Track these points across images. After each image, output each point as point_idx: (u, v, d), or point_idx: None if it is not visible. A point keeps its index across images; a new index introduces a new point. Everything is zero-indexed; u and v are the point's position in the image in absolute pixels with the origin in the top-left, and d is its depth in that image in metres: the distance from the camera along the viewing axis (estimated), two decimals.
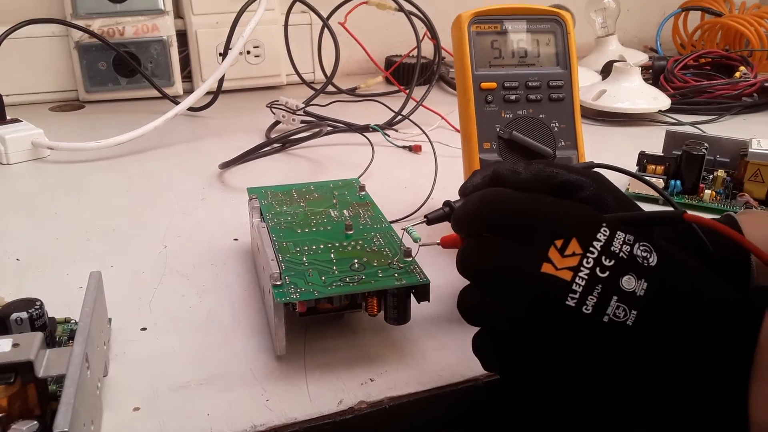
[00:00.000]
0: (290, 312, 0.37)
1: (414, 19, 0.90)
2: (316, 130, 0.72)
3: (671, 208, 0.34)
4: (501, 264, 0.31)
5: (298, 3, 0.89)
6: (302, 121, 0.77)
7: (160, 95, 0.89)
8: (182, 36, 0.95)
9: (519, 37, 0.51)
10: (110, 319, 0.40)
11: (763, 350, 0.27)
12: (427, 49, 0.98)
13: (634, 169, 0.63)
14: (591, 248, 0.29)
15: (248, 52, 0.96)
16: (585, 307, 0.29)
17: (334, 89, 0.94)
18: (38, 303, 0.35)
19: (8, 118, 0.73)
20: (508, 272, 0.30)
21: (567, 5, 1.00)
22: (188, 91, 0.95)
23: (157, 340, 0.40)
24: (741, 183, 0.59)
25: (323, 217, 0.45)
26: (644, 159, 0.63)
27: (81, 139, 0.72)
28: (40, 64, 0.90)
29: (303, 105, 0.77)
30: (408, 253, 0.40)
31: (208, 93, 0.83)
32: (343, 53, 0.91)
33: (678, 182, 0.60)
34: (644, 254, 0.29)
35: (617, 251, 0.29)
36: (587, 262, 0.29)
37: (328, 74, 0.90)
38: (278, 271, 0.37)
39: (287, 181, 0.53)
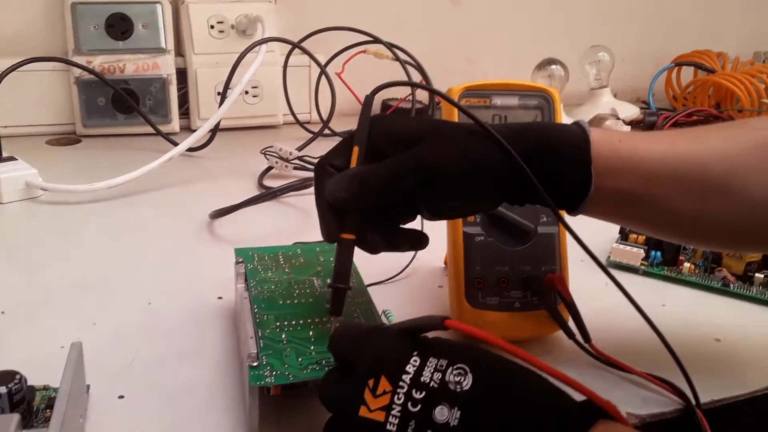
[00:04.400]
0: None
1: (409, 67, 0.92)
2: (309, 180, 0.73)
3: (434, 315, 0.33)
4: (335, 406, 0.33)
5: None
6: (295, 168, 0.78)
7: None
8: (182, 73, 0.96)
9: (507, 113, 0.52)
10: (88, 386, 0.41)
11: None
12: (422, 94, 0.99)
13: (616, 236, 0.64)
14: (401, 383, 0.29)
15: (246, 92, 0.97)
16: None
17: (329, 132, 0.96)
18: (18, 377, 0.36)
19: (4, 155, 0.73)
20: (341, 415, 0.32)
21: (562, 55, 1.03)
22: (185, 128, 0.97)
23: (134, 410, 0.41)
24: (720, 257, 0.60)
25: (306, 287, 0.46)
26: (626, 228, 0.63)
27: (76, 178, 0.73)
28: (40, 97, 0.91)
29: (297, 153, 0.78)
30: None
31: None
32: (340, 96, 0.92)
33: (659, 253, 0.61)
34: (457, 378, 0.29)
35: (428, 381, 0.29)
36: (398, 399, 0.29)
37: (324, 116, 0.92)
38: (255, 351, 0.38)
39: (277, 233, 0.54)
